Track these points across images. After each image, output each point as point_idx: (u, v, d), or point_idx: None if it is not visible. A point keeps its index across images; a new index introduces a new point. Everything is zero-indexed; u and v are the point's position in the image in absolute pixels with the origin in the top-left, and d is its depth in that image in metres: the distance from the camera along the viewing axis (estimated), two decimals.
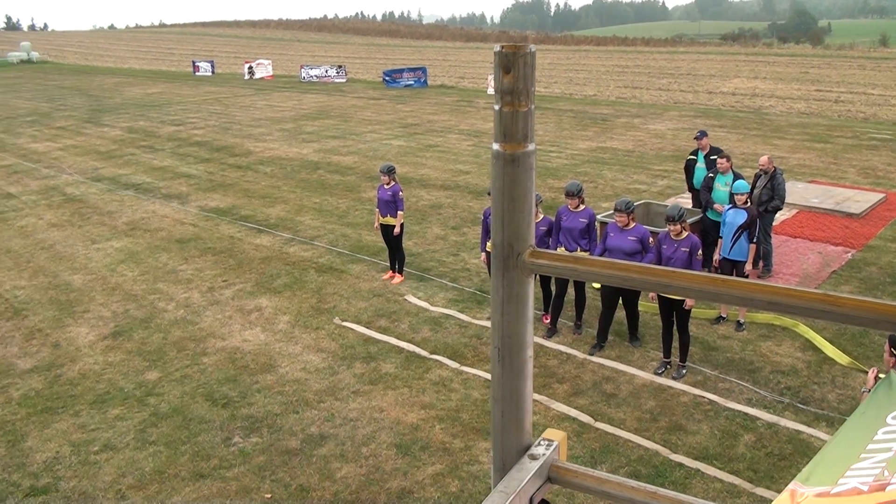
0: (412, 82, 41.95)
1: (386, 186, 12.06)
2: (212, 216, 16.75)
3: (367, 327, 10.65)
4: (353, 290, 11.96)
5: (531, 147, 1.61)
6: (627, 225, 9.48)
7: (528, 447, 1.80)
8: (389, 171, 12.04)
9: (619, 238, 9.40)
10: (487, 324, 10.40)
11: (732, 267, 10.04)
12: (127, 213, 17.43)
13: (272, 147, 24.80)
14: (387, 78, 42.78)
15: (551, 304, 10.32)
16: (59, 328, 11.24)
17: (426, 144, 24.06)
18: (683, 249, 8.90)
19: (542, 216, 10.34)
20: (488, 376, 9.11)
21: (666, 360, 9.24)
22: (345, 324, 10.77)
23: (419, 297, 11.55)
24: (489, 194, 9.47)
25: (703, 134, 12.82)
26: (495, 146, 1.61)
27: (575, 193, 10.01)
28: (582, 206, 10.08)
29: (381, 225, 12.20)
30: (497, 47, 1.57)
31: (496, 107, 1.59)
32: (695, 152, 12.93)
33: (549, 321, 10.27)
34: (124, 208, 17.93)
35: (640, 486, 1.72)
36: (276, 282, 12.53)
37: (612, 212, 12.87)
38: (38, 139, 29.01)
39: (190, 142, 26.61)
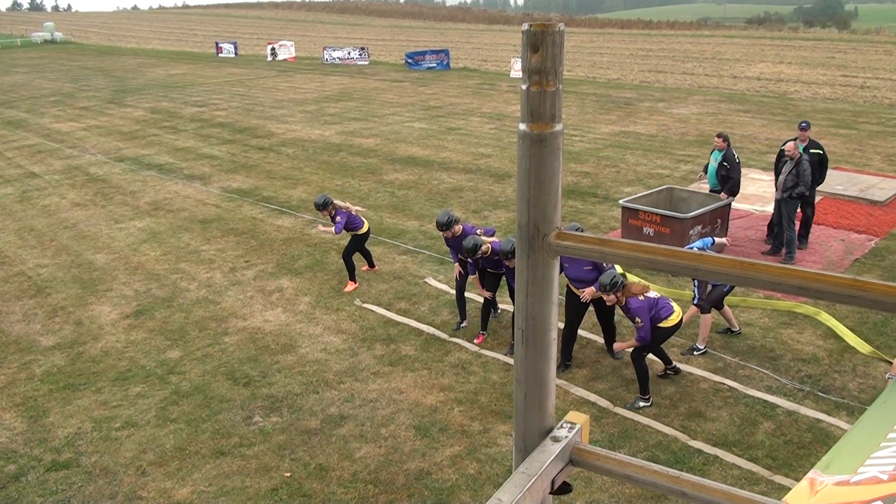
0: (434, 65, 41.79)
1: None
2: (234, 197, 16.82)
3: (388, 309, 10.67)
4: (373, 272, 11.98)
5: (558, 127, 1.59)
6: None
7: (551, 429, 1.79)
8: (325, 205, 11.04)
9: (575, 268, 8.89)
10: (507, 307, 10.39)
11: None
12: (150, 194, 17.54)
13: (294, 129, 24.83)
14: (409, 60, 42.64)
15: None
16: (82, 306, 11.35)
17: (448, 127, 23.99)
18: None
19: None
20: (508, 360, 9.12)
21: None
22: (365, 305, 10.80)
23: (439, 280, 11.55)
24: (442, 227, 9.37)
25: (807, 125, 12.16)
26: (522, 126, 1.60)
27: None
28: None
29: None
30: (525, 26, 1.55)
31: (523, 86, 1.57)
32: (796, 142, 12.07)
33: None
34: (147, 188, 18.05)
35: (662, 470, 1.72)
36: (298, 263, 12.57)
37: (635, 195, 12.82)
38: (61, 119, 29.22)
39: (212, 123, 26.70)
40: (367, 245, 11.65)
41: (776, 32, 68.61)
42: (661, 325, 8.05)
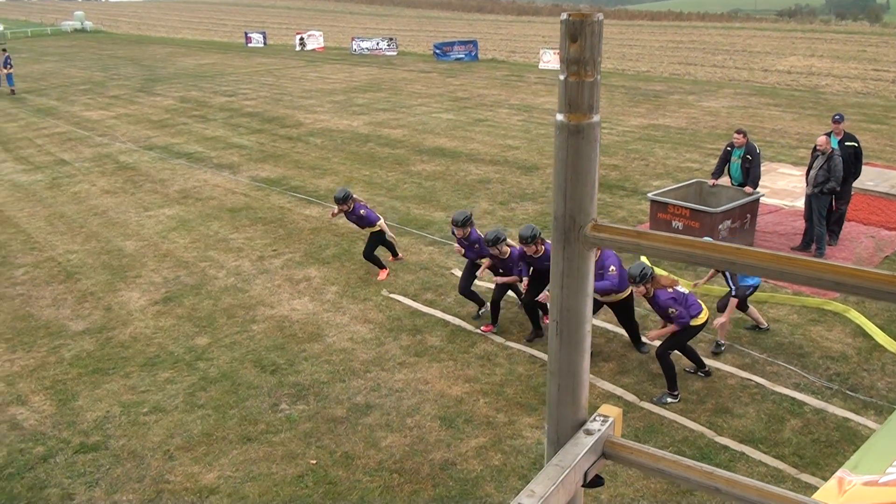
0: (462, 56, 41.71)
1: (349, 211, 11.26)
2: (262, 186, 16.92)
3: (414, 300, 10.69)
4: (400, 262, 12.01)
5: (596, 118, 1.59)
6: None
7: (584, 422, 1.79)
8: (345, 199, 11.09)
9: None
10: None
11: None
12: (179, 182, 17.68)
13: (323, 119, 24.91)
14: (437, 51, 42.59)
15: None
16: (111, 292, 11.48)
17: (476, 119, 23.95)
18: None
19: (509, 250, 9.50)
20: (533, 352, 9.11)
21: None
22: (392, 296, 10.83)
23: None
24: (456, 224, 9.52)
25: (840, 117, 12.03)
26: (559, 117, 1.59)
27: (529, 239, 9.09)
28: (542, 249, 9.18)
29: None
30: (564, 15, 1.54)
31: (561, 76, 1.56)
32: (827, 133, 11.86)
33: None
34: (176, 177, 18.19)
35: (695, 465, 1.70)
36: (325, 252, 12.63)
37: (664, 189, 12.73)
38: (91, 107, 29.52)
39: (241, 112, 26.85)
40: (397, 233, 11.76)
41: (807, 25, 67.73)
42: (691, 322, 8.00)
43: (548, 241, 9.04)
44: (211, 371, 9.01)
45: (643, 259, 8.83)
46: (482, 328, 9.71)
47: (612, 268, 8.46)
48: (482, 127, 22.60)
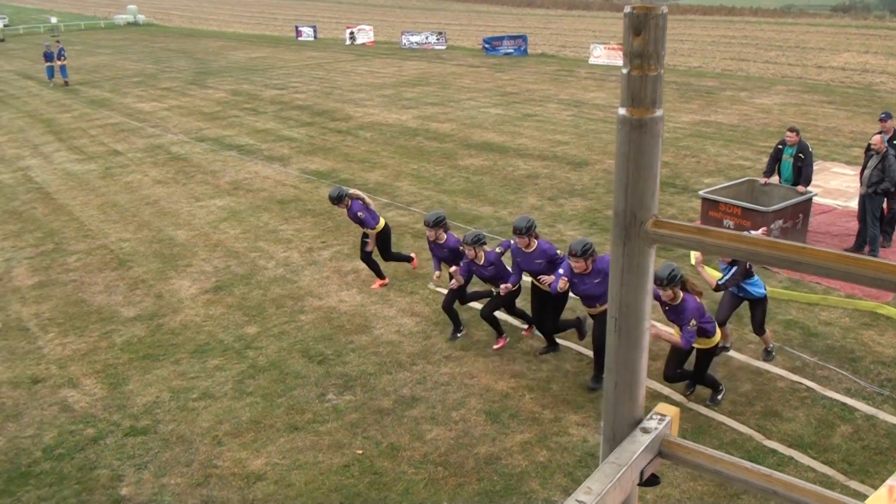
0: (512, 50, 41.55)
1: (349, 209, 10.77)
2: (312, 179, 17.07)
3: None
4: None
5: (659, 113, 1.57)
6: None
7: (640, 420, 1.77)
8: (340, 199, 10.60)
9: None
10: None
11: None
12: (230, 173, 17.92)
13: (372, 112, 25.03)
14: (486, 45, 42.48)
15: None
16: (163, 280, 11.69)
17: (524, 114, 23.86)
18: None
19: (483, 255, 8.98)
20: (580, 349, 9.06)
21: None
22: (439, 289, 10.85)
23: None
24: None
25: (887, 115, 11.70)
26: (622, 111, 1.57)
27: (524, 230, 8.56)
28: (535, 244, 8.72)
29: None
30: (628, 8, 1.52)
31: (624, 70, 1.55)
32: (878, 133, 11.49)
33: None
34: (227, 168, 18.44)
35: (754, 468, 1.68)
36: None
37: (715, 187, 12.54)
38: (144, 99, 30.06)
39: (292, 105, 27.10)
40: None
41: (861, 21, 66.09)
42: (702, 344, 7.64)
43: (542, 240, 8.86)
44: (260, 360, 9.13)
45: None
46: (494, 347, 9.25)
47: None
48: (531, 122, 22.51)
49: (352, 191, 10.81)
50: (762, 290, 8.38)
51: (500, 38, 42.92)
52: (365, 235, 10.77)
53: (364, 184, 16.35)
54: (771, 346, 8.77)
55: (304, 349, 9.33)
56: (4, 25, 72.59)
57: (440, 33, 47.48)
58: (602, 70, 33.17)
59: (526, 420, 7.72)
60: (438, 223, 9.31)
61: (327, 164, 18.30)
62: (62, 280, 12.06)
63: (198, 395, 8.44)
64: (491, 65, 37.13)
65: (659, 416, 1.78)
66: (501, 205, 14.41)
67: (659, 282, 7.15)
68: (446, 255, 9.53)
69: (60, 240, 13.96)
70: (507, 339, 9.35)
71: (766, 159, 13.44)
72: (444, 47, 45.92)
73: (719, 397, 7.95)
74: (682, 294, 7.34)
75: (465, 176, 16.66)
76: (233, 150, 20.44)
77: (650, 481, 1.74)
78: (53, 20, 76.41)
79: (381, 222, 10.76)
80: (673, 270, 7.30)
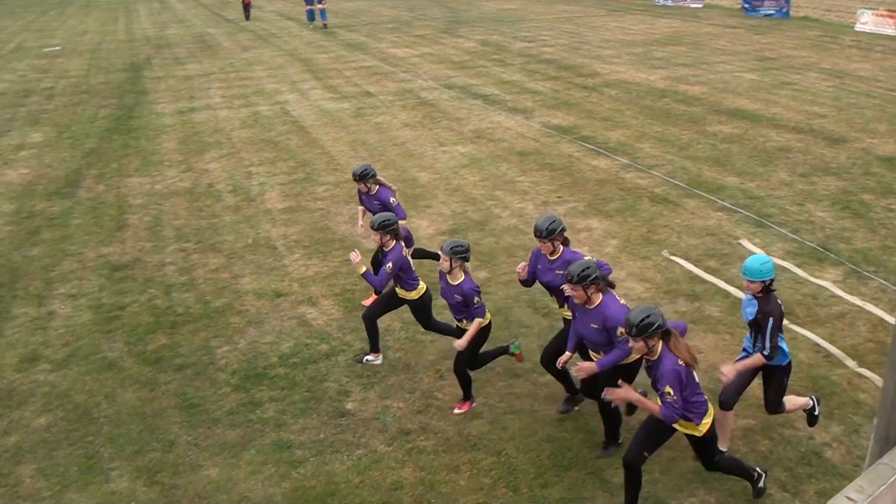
0: (773, 12, 38.82)
1: (370, 193, 9.35)
2: (553, 133, 17.07)
3: (696, 265, 10.34)
4: (685, 224, 11.64)
5: None
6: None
7: None
8: (363, 176, 9.20)
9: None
10: (826, 284, 9.64)
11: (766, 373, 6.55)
12: (473, 122, 18.31)
13: (619, 70, 24.49)
14: (746, 5, 39.97)
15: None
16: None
17: (781, 81, 22.32)
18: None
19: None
20: (819, 340, 8.51)
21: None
22: (672, 258, 10.56)
23: (755, 244, 10.95)
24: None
25: None
26: None
27: (544, 233, 6.86)
28: (560, 251, 7.01)
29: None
30: None
31: None
32: None
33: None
34: (471, 116, 18.85)
35: None
36: (609, 206, 12.54)
37: None
38: (397, 45, 31.26)
39: (539, 59, 27.09)
40: (685, 194, 11.10)
41: None
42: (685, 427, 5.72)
43: (569, 249, 7.04)
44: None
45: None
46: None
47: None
48: (787, 90, 21.03)
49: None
50: (786, 355, 6.45)
51: None
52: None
53: (605, 142, 16.12)
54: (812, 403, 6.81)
55: (530, 300, 9.44)
56: None
57: None
58: (868, 38, 30.20)
59: (751, 406, 7.34)
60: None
61: (569, 120, 18.19)
62: (310, 207, 12.98)
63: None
64: (749, 26, 34.96)
65: None
66: (749, 177, 13.67)
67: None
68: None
69: (311, 170, 14.99)
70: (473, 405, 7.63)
71: None
72: (700, 5, 43.79)
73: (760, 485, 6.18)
74: (659, 347, 5.49)
75: (713, 143, 15.93)
76: (478, 98, 20.83)
77: None
78: None
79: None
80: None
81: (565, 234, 6.98)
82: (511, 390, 7.72)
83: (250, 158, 16.03)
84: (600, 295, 6.15)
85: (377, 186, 9.26)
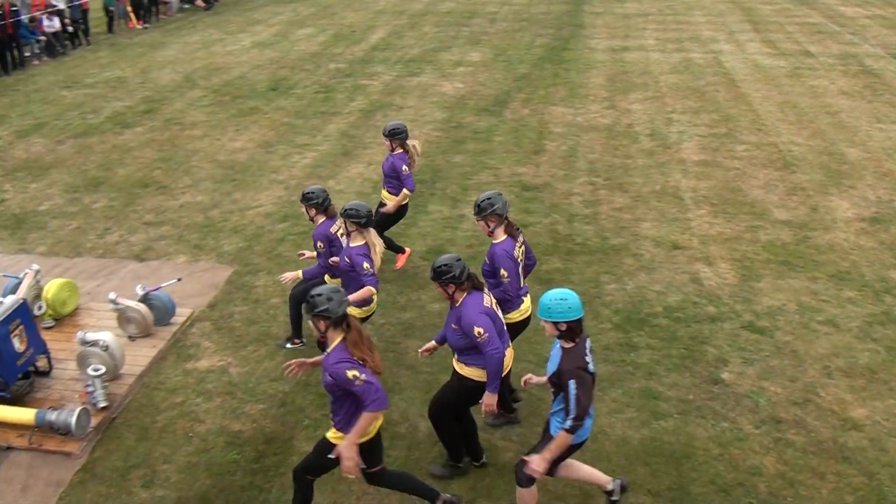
0: None
1: (391, 153, 8.97)
2: None
3: None
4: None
5: None
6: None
7: None
8: (392, 133, 8.78)
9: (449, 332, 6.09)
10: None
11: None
12: None
13: None
14: None
15: None
16: (822, 194, 11.54)
17: None
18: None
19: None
20: None
21: None
22: None
23: None
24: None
25: None
26: None
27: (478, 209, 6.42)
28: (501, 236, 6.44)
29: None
30: None
31: None
32: None
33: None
34: None
35: None
36: None
37: None
38: (847, 3, 28.40)
39: None
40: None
41: None
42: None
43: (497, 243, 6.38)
44: (895, 309, 8.61)
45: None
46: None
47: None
48: None
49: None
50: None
51: None
52: (382, 204, 9.13)
53: None
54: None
55: None
56: None
57: None
58: None
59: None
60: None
61: None
62: (725, 165, 12.70)
63: (823, 319, 8.38)
64: None
65: None
66: None
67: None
68: None
69: (734, 127, 14.56)
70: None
71: None
72: None
73: None
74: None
75: None
76: None
77: None
78: None
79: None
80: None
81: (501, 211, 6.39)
82: None
83: (673, 105, 15.99)
84: (463, 294, 5.71)
85: (401, 150, 8.87)
